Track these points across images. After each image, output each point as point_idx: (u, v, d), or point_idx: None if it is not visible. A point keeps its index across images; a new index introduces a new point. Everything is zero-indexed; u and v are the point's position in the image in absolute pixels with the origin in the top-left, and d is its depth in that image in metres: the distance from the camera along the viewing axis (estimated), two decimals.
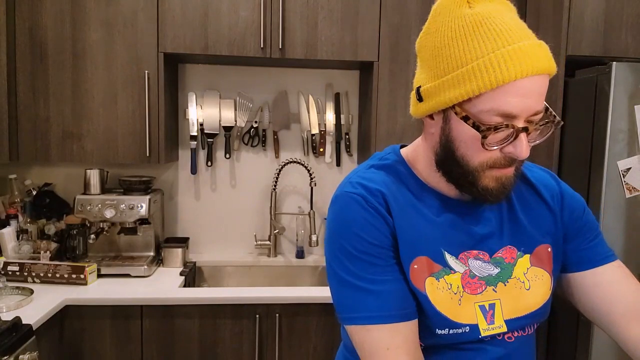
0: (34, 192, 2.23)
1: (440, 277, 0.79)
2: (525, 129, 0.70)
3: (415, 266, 0.78)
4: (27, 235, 2.09)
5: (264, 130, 2.44)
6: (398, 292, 0.77)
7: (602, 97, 1.74)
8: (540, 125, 0.73)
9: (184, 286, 2.03)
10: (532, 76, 0.68)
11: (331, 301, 2.04)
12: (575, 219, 0.89)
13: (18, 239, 2.07)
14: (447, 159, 0.77)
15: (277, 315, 1.87)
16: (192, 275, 2.25)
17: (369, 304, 0.76)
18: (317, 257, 2.47)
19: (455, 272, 0.80)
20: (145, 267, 2.06)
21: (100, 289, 1.89)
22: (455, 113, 0.72)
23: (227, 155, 2.39)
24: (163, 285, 1.96)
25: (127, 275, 2.04)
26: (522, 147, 0.71)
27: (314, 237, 2.31)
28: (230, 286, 2.32)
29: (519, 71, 0.67)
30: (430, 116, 0.79)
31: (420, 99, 0.78)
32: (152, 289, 1.91)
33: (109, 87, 2.03)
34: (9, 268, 1.92)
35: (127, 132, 2.05)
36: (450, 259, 0.80)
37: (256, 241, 2.42)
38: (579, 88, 1.86)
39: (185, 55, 2.11)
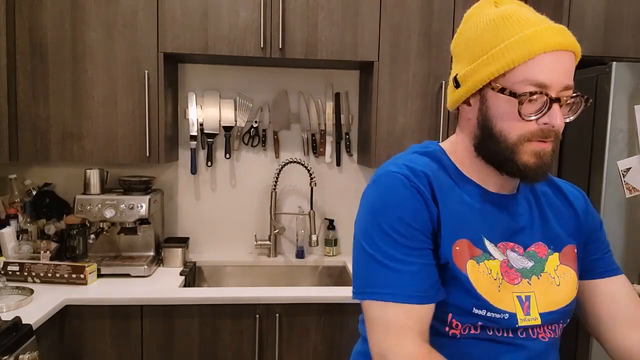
0: (34, 192, 2.23)
1: (481, 262, 0.81)
2: (557, 100, 0.76)
3: (457, 248, 0.80)
4: (27, 235, 2.09)
5: (264, 130, 2.44)
6: (422, 275, 0.78)
7: (602, 97, 1.74)
8: (571, 98, 0.79)
9: (184, 286, 2.03)
10: (557, 51, 0.75)
11: (331, 301, 2.04)
12: (595, 232, 0.94)
13: (18, 239, 2.07)
14: (486, 138, 0.81)
15: (277, 315, 1.87)
16: (192, 275, 2.25)
17: (391, 281, 0.77)
18: (317, 257, 2.47)
19: (494, 258, 0.82)
20: (145, 267, 2.06)
21: (100, 289, 1.89)
22: (492, 88, 0.78)
23: (227, 155, 2.39)
24: (163, 285, 1.96)
25: (127, 275, 2.03)
26: (557, 117, 0.76)
27: (314, 237, 2.30)
28: (230, 286, 2.32)
29: (545, 45, 0.74)
30: (467, 103, 0.84)
31: (457, 85, 0.84)
32: (152, 289, 1.91)
33: (109, 87, 2.03)
34: (9, 268, 1.92)
35: (127, 132, 2.05)
36: (489, 245, 0.83)
37: (256, 241, 2.42)
38: (579, 88, 1.85)
39: (185, 55, 2.11)
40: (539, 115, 0.76)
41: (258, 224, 2.47)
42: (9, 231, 2.04)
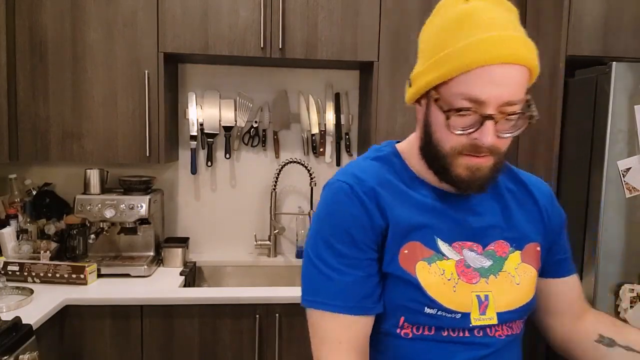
0: (34, 192, 2.23)
1: (433, 262, 0.80)
2: (490, 117, 0.71)
3: (406, 251, 0.79)
4: (27, 235, 2.09)
5: (264, 130, 2.44)
6: (356, 286, 0.78)
7: (602, 97, 1.74)
8: (513, 115, 0.73)
9: (184, 286, 2.03)
10: (505, 64, 0.69)
11: None
12: (559, 229, 0.94)
13: (18, 238, 2.07)
14: (427, 144, 0.80)
15: (277, 315, 1.87)
16: (192, 275, 2.25)
17: (329, 290, 0.78)
18: None
19: (448, 258, 0.80)
20: (145, 267, 2.06)
21: (100, 289, 1.89)
22: (431, 96, 0.75)
23: (227, 155, 2.39)
24: (163, 285, 1.96)
25: (127, 275, 2.03)
26: (487, 135, 0.71)
27: None
28: (230, 286, 2.32)
29: (489, 57, 0.68)
30: (419, 102, 0.81)
31: (410, 84, 0.81)
32: (152, 289, 1.91)
33: (109, 87, 2.03)
34: (9, 268, 1.92)
35: (127, 132, 2.05)
36: (442, 245, 0.81)
37: (256, 241, 2.42)
38: (579, 88, 1.86)
39: (185, 55, 2.11)
40: (470, 130, 0.72)
41: (258, 224, 2.47)
42: (9, 231, 2.04)
